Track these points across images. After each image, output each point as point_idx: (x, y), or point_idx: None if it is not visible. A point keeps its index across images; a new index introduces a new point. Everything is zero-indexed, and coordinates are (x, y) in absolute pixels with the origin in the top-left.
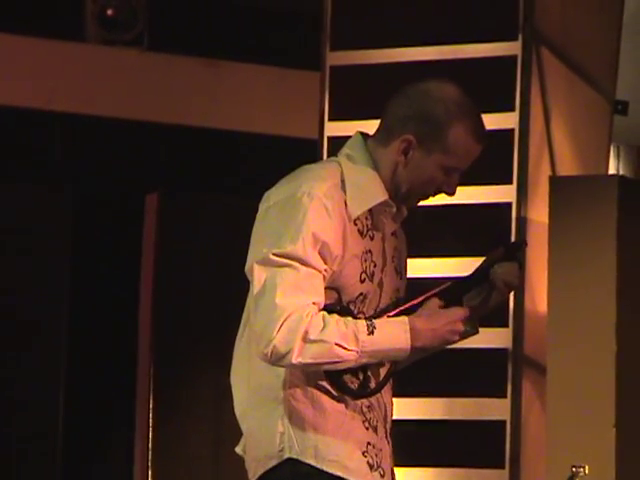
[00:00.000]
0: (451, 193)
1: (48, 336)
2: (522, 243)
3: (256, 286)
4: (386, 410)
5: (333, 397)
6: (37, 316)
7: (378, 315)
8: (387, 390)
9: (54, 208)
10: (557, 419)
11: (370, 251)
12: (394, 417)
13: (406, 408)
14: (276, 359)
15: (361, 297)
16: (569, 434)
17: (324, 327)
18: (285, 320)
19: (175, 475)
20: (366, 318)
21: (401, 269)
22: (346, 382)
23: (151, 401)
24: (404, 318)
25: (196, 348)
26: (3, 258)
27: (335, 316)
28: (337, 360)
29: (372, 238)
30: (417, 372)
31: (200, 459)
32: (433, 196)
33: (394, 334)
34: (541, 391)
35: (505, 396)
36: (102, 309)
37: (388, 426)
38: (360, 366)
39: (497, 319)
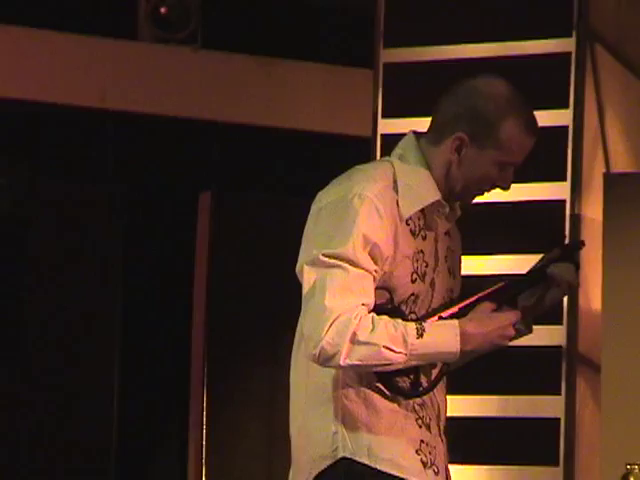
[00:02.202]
0: (506, 188)
1: (100, 335)
2: (579, 244)
3: (305, 287)
4: (439, 408)
5: (385, 396)
6: (89, 315)
7: (430, 315)
8: (440, 388)
9: (107, 206)
10: (611, 417)
11: (422, 251)
12: (449, 414)
13: (460, 406)
14: (324, 360)
15: (413, 297)
16: (624, 432)
17: (373, 329)
18: (334, 322)
19: (229, 471)
20: (416, 320)
21: (454, 269)
22: (398, 382)
23: (205, 398)
24: (454, 322)
25: (249, 345)
26: (56, 256)
27: (385, 318)
28: (385, 362)
29: (424, 238)
30: (471, 370)
31: (254, 455)
32: (488, 192)
33: (444, 338)
34: (595, 389)
35: (559, 394)
36: (155, 307)
37: (442, 424)
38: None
39: (551, 317)
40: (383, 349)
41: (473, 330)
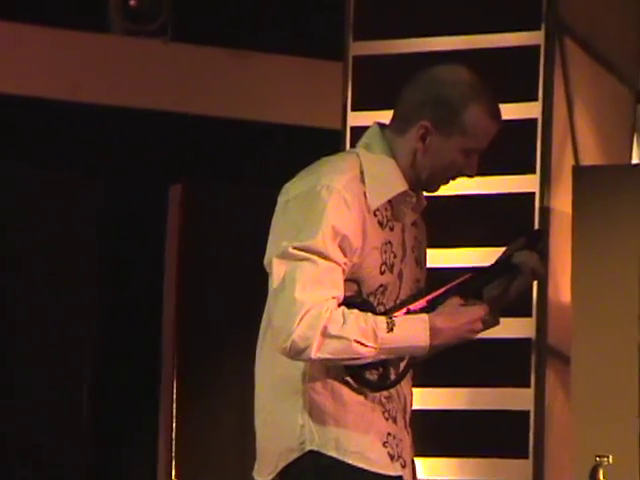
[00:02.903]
0: (471, 175)
1: (74, 324)
2: (542, 233)
3: (275, 280)
4: (405, 401)
5: (353, 389)
6: (62, 306)
7: (398, 307)
8: (407, 381)
9: (78, 199)
10: (581, 409)
11: (390, 242)
12: (418, 407)
13: (430, 398)
14: (295, 354)
15: (381, 288)
16: (593, 424)
17: (344, 323)
18: (304, 315)
19: (200, 463)
20: (386, 314)
21: (421, 259)
22: (365, 374)
23: (175, 389)
24: (424, 316)
25: (221, 336)
26: (30, 249)
27: (355, 311)
28: (355, 356)
29: (392, 229)
30: (441, 362)
31: (225, 446)
32: (454, 179)
33: (414, 332)
34: (565, 381)
35: (529, 386)
36: (127, 298)
37: (407, 417)
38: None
39: (520, 309)
40: (354, 343)
41: (442, 325)
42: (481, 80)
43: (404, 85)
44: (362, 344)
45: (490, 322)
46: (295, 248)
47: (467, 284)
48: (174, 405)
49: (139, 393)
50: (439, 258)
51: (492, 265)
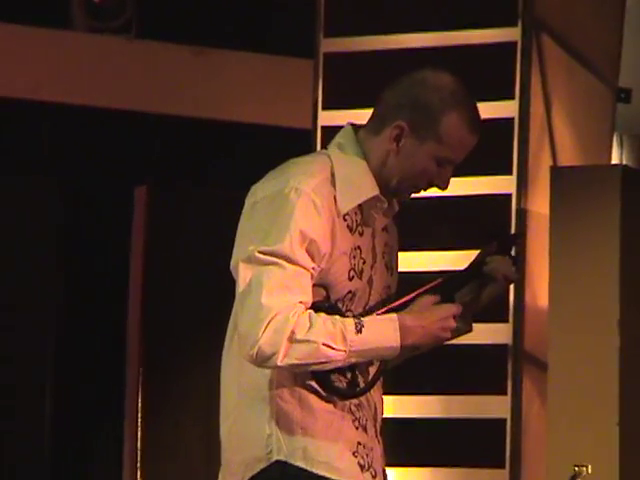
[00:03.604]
0: (444, 187)
1: (36, 330)
2: (517, 237)
3: (241, 285)
4: (376, 409)
5: (321, 396)
6: (25, 310)
7: (367, 313)
8: (377, 388)
9: (41, 200)
10: (558, 417)
11: (359, 247)
12: (390, 415)
13: (404, 406)
14: (262, 360)
15: (350, 295)
16: (571, 432)
17: (311, 327)
18: (271, 320)
19: (165, 470)
20: (354, 316)
21: (392, 265)
22: (334, 382)
23: (140, 397)
24: (393, 315)
25: (186, 342)
26: None
27: (322, 315)
28: (324, 360)
29: (361, 234)
30: (415, 369)
31: (191, 454)
32: (425, 190)
33: (383, 332)
34: (542, 388)
35: (505, 393)
36: (91, 302)
37: (378, 425)
38: (348, 365)
39: (497, 314)
40: (322, 346)
41: (412, 323)
42: (465, 89)
43: (384, 86)
44: (330, 347)
45: (463, 328)
46: (262, 252)
47: (438, 288)
48: (139, 413)
49: (103, 400)
50: (413, 261)
51: (463, 270)
